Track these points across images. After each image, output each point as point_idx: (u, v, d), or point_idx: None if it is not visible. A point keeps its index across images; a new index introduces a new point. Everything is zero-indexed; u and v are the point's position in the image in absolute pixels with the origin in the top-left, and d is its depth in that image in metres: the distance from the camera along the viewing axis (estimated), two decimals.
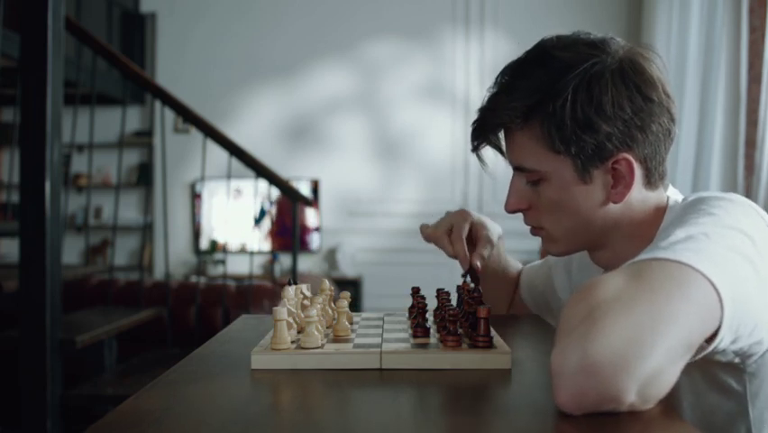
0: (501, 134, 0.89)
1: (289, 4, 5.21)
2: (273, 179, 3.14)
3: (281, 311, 0.80)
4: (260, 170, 3.08)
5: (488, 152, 0.93)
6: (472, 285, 0.93)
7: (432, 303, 0.95)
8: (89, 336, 2.12)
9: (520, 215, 0.92)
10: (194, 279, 4.69)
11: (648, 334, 0.60)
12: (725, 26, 3.50)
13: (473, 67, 5.07)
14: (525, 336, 0.98)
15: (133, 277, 4.24)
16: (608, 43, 0.83)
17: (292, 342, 0.81)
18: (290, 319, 0.84)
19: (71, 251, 5.09)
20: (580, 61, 0.80)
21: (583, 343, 0.59)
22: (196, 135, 5.03)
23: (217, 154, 3.70)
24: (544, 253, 1.27)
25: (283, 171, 4.31)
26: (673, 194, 0.91)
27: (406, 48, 5.10)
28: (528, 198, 0.88)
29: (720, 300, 0.65)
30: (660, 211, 0.87)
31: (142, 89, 3.91)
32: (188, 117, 2.92)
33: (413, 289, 0.95)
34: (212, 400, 0.68)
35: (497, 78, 0.88)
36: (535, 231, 0.92)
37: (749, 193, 3.30)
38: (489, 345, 0.79)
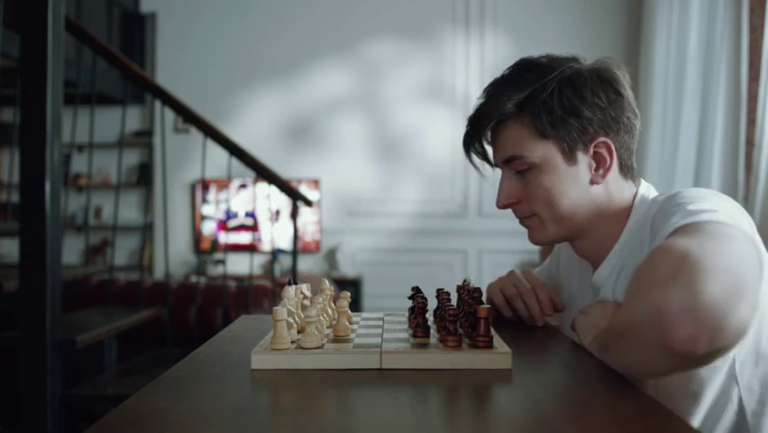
0: (485, 144, 1.02)
1: (289, 4, 5.21)
2: (273, 178, 3.14)
3: (281, 311, 0.80)
4: (261, 170, 3.08)
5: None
6: (473, 285, 0.93)
7: (432, 303, 0.95)
8: (89, 336, 2.12)
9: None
10: (194, 279, 4.69)
11: (741, 276, 0.63)
12: (725, 26, 3.50)
13: (473, 67, 5.07)
14: (526, 337, 0.98)
15: (133, 277, 4.24)
16: (579, 57, 0.99)
17: (292, 342, 0.81)
18: (290, 319, 0.84)
19: (71, 251, 5.09)
20: (559, 65, 0.96)
21: (692, 287, 0.61)
22: (196, 135, 5.04)
23: (217, 154, 3.70)
24: (544, 251, 1.33)
25: (283, 171, 4.31)
26: (646, 189, 1.01)
27: (406, 48, 5.10)
28: (518, 191, 0.98)
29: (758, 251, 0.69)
30: (634, 201, 0.98)
31: (142, 89, 3.91)
32: (188, 117, 2.92)
33: (413, 289, 0.95)
34: (212, 400, 0.68)
35: (487, 88, 0.99)
36: (527, 220, 1.00)
37: (749, 193, 3.30)
38: (489, 345, 0.79)
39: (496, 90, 0.97)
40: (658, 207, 0.87)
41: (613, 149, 0.95)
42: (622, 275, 0.93)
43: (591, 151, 0.95)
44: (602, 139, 0.94)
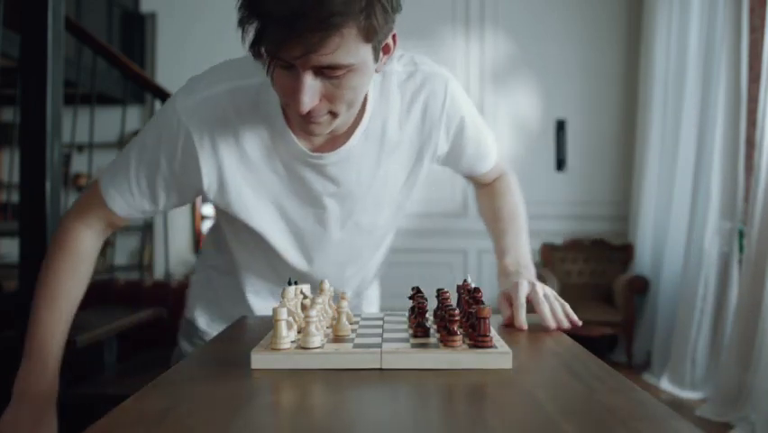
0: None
1: None
2: None
3: (281, 311, 0.80)
4: None
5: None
6: (473, 285, 0.93)
7: (432, 303, 0.95)
8: (89, 336, 2.12)
9: None
10: None
11: None
12: (725, 26, 3.50)
13: (473, 67, 5.07)
14: (526, 336, 0.98)
15: (133, 277, 4.24)
16: None
17: (292, 342, 0.81)
18: (290, 319, 0.84)
19: None
20: None
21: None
22: None
23: None
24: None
25: None
26: None
27: (406, 48, 5.08)
28: (319, 92, 0.87)
29: None
30: None
31: (142, 89, 3.91)
32: None
33: (413, 289, 0.95)
34: (212, 400, 0.68)
35: None
36: (319, 118, 0.90)
37: (749, 193, 3.30)
38: (489, 345, 0.79)
39: None
40: (430, 90, 1.08)
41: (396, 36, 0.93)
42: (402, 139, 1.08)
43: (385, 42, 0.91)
44: (394, 31, 0.92)
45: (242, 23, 0.82)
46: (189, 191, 1.08)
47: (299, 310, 0.89)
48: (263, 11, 0.79)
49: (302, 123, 0.93)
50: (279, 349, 0.79)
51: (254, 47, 0.83)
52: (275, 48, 0.82)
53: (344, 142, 1.04)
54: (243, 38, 0.84)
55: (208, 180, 1.04)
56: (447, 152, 1.17)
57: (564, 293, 4.61)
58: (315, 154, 1.03)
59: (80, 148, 5.19)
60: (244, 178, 1.05)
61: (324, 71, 0.85)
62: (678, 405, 3.44)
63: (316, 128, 0.93)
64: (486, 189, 1.34)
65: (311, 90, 0.86)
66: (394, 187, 1.15)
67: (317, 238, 1.13)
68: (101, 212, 1.10)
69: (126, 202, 1.08)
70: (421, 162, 1.14)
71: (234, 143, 1.02)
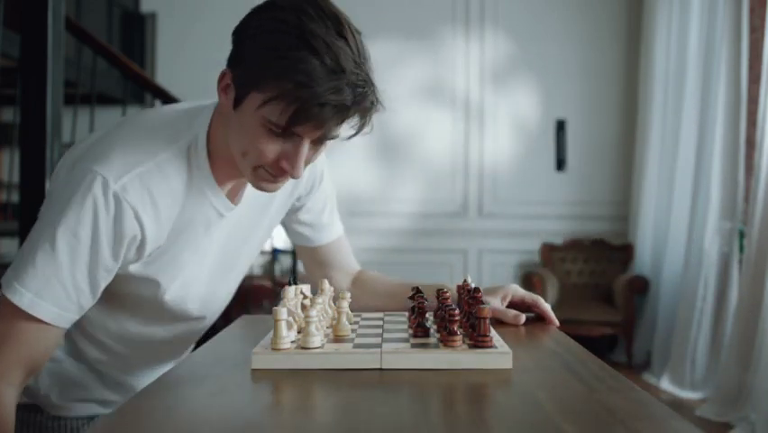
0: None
1: None
2: None
3: (281, 311, 0.80)
4: None
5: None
6: (473, 285, 0.93)
7: (432, 303, 0.95)
8: None
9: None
10: None
11: None
12: (725, 26, 3.51)
13: (473, 67, 5.07)
14: (526, 336, 0.98)
15: None
16: None
17: (292, 342, 0.81)
18: (290, 319, 0.84)
19: None
20: None
21: None
22: None
23: None
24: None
25: None
26: None
27: (406, 48, 5.10)
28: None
29: None
30: None
31: (142, 89, 3.91)
32: None
33: (413, 289, 0.95)
34: (212, 400, 0.68)
35: (367, 76, 0.91)
36: (284, 178, 0.96)
37: (749, 193, 3.30)
38: (490, 345, 0.79)
39: (371, 80, 0.92)
40: None
41: None
42: None
43: None
44: None
45: (276, 98, 0.86)
46: (123, 267, 0.98)
47: (299, 310, 0.89)
48: (317, 98, 0.85)
49: (263, 183, 0.96)
50: (279, 349, 0.79)
51: (276, 120, 0.87)
52: (312, 126, 0.88)
53: (239, 192, 1.06)
54: (237, 101, 0.96)
55: (150, 249, 0.98)
56: (299, 198, 1.20)
57: (564, 293, 4.61)
58: (232, 206, 1.05)
59: None
60: (173, 243, 1.01)
61: (322, 143, 0.94)
62: (678, 405, 3.44)
63: (273, 187, 0.98)
64: (365, 274, 1.34)
65: (306, 157, 0.93)
66: (270, 230, 1.20)
67: (208, 289, 1.11)
68: (22, 349, 0.90)
69: (67, 311, 0.92)
70: (287, 206, 1.19)
71: (173, 212, 0.99)
